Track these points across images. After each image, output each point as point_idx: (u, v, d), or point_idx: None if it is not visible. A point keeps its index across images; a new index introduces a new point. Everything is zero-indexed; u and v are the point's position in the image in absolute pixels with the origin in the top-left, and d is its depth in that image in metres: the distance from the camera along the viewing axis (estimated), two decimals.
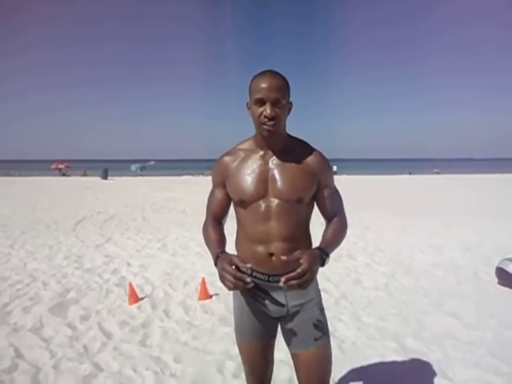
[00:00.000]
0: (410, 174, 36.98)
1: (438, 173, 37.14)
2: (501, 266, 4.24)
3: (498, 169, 39.36)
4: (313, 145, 1.55)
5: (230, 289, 1.27)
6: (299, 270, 1.22)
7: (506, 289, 4.13)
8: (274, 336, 1.65)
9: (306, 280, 1.23)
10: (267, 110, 1.35)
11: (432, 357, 2.76)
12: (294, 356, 1.56)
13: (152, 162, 43.76)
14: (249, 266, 1.27)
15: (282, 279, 1.22)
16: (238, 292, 1.59)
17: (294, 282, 1.21)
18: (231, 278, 1.24)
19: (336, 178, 1.61)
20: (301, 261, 1.26)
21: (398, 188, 19.41)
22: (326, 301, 3.69)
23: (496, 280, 4.32)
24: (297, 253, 1.30)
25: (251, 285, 1.25)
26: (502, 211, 9.97)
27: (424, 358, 2.74)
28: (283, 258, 1.35)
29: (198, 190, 16.59)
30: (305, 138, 1.56)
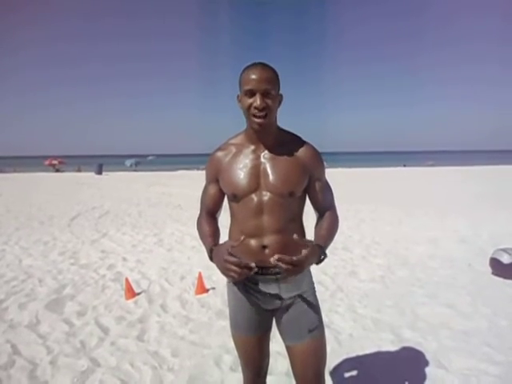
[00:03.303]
0: (404, 166, 37.09)
1: (432, 165, 37.27)
2: (494, 256, 4.27)
3: (492, 160, 39.56)
4: (307, 138, 1.55)
5: (234, 279, 1.27)
6: (294, 258, 1.23)
7: (500, 279, 4.17)
8: (269, 329, 1.66)
9: (295, 270, 1.24)
10: (257, 100, 1.34)
11: (428, 347, 2.79)
12: (288, 348, 1.57)
13: (151, 157, 43.80)
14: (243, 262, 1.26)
15: (275, 256, 1.22)
16: (231, 286, 1.60)
17: (283, 265, 1.22)
18: (236, 268, 1.23)
19: (328, 171, 1.60)
20: (302, 251, 1.26)
21: (393, 180, 19.47)
22: (322, 293, 3.72)
23: (490, 270, 4.36)
24: (295, 237, 1.28)
25: (255, 269, 1.25)
26: (496, 202, 10.03)
27: (420, 349, 2.77)
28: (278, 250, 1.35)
29: (193, 184, 16.53)
30: (299, 130, 1.56)
